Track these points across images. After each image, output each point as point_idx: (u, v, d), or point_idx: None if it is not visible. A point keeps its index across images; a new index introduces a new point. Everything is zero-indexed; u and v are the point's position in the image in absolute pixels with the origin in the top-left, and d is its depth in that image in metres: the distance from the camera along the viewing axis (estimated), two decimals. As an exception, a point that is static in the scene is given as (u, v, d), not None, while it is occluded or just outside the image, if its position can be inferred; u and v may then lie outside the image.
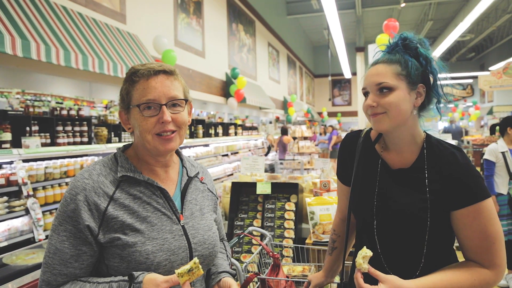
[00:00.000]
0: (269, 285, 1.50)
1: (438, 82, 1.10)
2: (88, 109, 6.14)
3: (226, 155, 7.61)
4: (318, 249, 1.99)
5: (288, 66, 16.05)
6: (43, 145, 3.28)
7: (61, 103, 5.69)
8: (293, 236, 2.41)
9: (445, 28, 17.64)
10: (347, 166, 1.28)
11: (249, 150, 8.89)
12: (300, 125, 12.80)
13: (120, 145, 1.38)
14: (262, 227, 2.50)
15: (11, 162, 3.05)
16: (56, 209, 3.03)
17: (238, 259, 2.35)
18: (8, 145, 2.99)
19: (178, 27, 6.64)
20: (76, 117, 3.77)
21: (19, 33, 3.11)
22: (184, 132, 1.07)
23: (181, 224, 1.04)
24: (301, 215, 2.52)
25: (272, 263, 1.55)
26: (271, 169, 8.01)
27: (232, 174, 7.16)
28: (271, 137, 10.10)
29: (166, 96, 1.01)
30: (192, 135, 6.21)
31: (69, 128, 3.60)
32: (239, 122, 9.97)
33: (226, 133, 7.60)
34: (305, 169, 6.17)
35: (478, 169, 2.76)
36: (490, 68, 14.90)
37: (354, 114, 19.95)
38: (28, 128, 3.19)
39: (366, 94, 1.12)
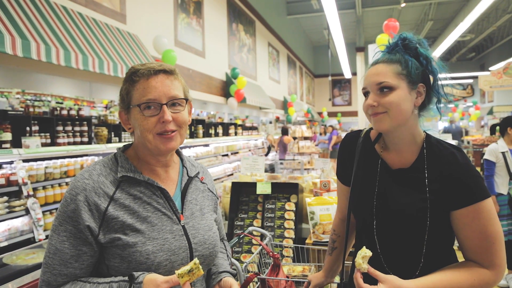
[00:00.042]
0: (269, 285, 1.50)
1: (439, 82, 1.10)
2: (88, 109, 6.15)
3: (226, 155, 7.61)
4: (318, 249, 1.99)
5: (288, 66, 16.04)
6: (43, 145, 3.28)
7: (61, 103, 5.69)
8: (293, 236, 2.41)
9: (445, 28, 17.64)
10: (346, 166, 1.28)
11: (249, 150, 8.89)
12: (300, 125, 12.81)
13: (120, 145, 1.38)
14: (262, 227, 2.50)
15: (11, 162, 3.06)
16: (56, 209, 3.03)
17: (238, 259, 2.35)
18: (8, 145, 2.99)
19: (178, 27, 6.63)
20: (76, 117, 3.77)
21: (19, 33, 3.11)
22: (184, 132, 1.07)
23: (182, 224, 1.04)
24: (301, 215, 2.51)
25: (272, 263, 1.55)
26: (271, 169, 8.00)
27: (232, 174, 7.16)
28: (271, 137, 10.10)
29: (166, 95, 1.01)
30: (192, 135, 6.21)
31: (69, 128, 3.60)
32: (239, 122, 9.97)
33: (226, 133, 7.60)
34: (305, 169, 6.16)
35: (478, 169, 2.76)
36: (490, 68, 14.89)
37: (354, 114, 19.95)
38: (28, 128, 3.19)
39: (366, 94, 1.12)
